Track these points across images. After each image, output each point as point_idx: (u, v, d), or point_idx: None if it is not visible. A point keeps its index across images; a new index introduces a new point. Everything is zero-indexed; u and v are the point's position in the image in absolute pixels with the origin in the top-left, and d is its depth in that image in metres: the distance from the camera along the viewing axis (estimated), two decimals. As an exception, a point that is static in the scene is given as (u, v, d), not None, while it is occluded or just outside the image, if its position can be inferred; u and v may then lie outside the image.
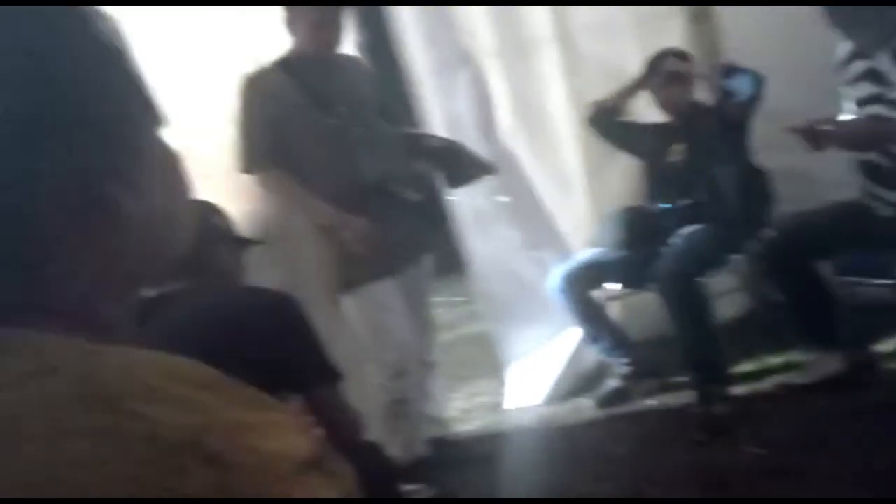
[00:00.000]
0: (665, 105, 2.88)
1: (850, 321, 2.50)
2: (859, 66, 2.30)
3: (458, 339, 4.07)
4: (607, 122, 3.00)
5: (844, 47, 2.34)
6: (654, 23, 3.15)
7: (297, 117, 2.33)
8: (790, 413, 2.46)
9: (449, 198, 2.87)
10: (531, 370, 3.04)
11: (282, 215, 2.44)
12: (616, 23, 3.22)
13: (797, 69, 2.86)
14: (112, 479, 0.39)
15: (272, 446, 0.42)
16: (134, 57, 0.51)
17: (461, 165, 2.59)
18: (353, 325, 2.41)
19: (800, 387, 2.57)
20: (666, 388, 2.86)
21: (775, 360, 2.87)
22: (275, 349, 1.39)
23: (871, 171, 2.29)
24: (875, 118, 2.20)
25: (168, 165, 0.53)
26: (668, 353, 2.91)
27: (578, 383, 3.08)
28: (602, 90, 3.01)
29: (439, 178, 2.66)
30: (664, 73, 2.83)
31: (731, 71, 2.71)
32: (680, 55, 2.85)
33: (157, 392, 0.42)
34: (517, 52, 3.03)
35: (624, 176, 3.20)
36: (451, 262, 3.55)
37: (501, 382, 3.20)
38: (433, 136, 2.70)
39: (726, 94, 2.69)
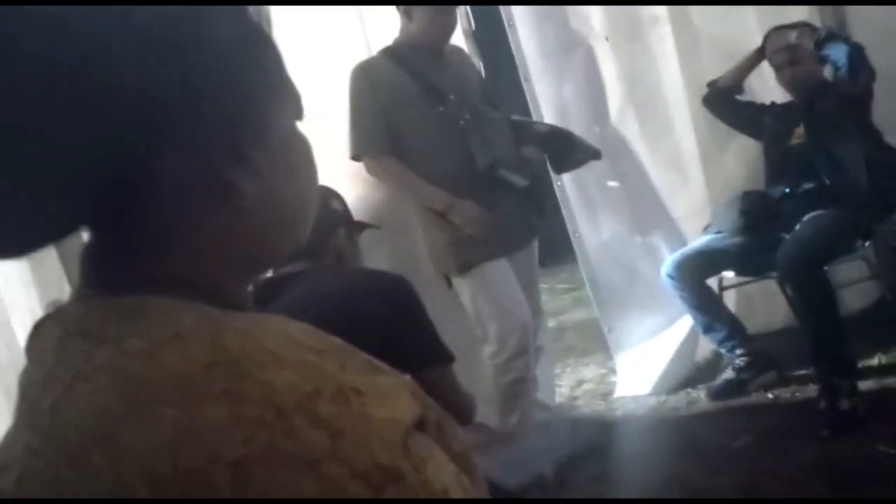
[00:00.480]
0: (786, 83, 2.74)
1: None
2: None
3: (565, 325, 4.05)
4: (724, 102, 2.88)
5: None
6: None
7: (407, 106, 2.37)
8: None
9: (558, 183, 2.85)
10: (642, 359, 2.98)
11: (394, 201, 2.48)
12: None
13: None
14: (232, 440, 0.40)
15: (382, 413, 0.43)
16: (278, 46, 0.53)
17: (567, 150, 2.57)
18: (468, 307, 2.43)
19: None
20: (785, 382, 2.74)
21: (908, 354, 2.69)
22: (389, 330, 1.42)
23: None
24: None
25: (297, 152, 0.54)
26: (788, 344, 2.79)
27: (691, 374, 3.00)
28: (718, 70, 2.90)
29: (546, 164, 2.64)
30: (783, 48, 2.69)
31: (825, 40, 2.57)
32: (801, 29, 2.69)
33: (275, 356, 0.43)
34: (629, 32, 2.96)
35: (742, 159, 3.07)
36: (559, 249, 3.54)
37: (610, 370, 3.16)
38: (539, 123, 2.68)
39: (828, 64, 2.55)
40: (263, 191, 0.50)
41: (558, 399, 3.05)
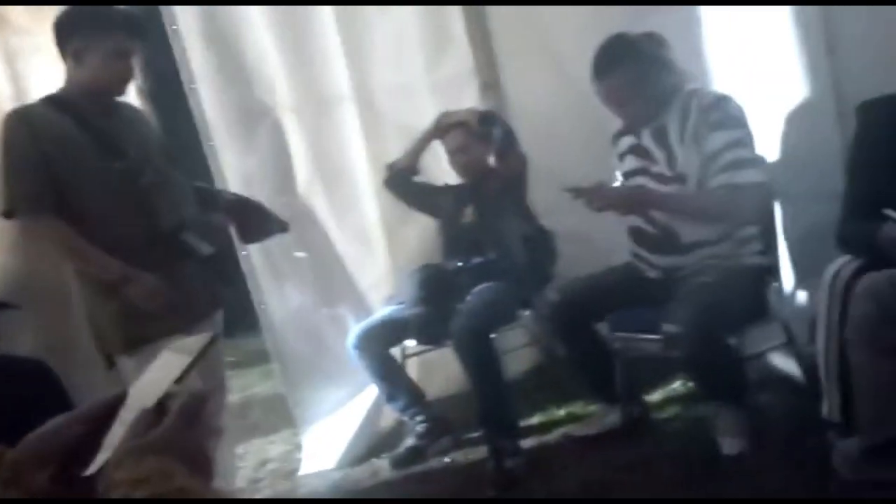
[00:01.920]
0: (456, 167, 3.00)
1: (625, 375, 2.68)
2: (626, 141, 2.54)
3: (251, 401, 3.89)
4: (402, 184, 3.07)
5: (617, 124, 2.58)
6: (450, 90, 3.30)
7: (75, 158, 2.13)
8: (576, 464, 2.57)
9: (243, 252, 2.76)
10: (328, 433, 2.95)
11: (43, 269, 2.19)
12: (414, 86, 3.33)
13: (581, 138, 3.13)
14: None
15: None
16: None
17: (255, 221, 2.51)
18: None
19: (583, 438, 2.70)
20: (461, 445, 2.89)
21: (561, 412, 3.01)
22: (30, 417, 1.22)
23: (638, 236, 2.51)
24: (639, 187, 2.42)
25: None
26: (464, 409, 2.96)
27: (376, 444, 3.04)
28: (400, 149, 3.07)
29: (232, 233, 2.55)
30: (454, 136, 2.94)
31: (485, 121, 2.92)
32: (467, 114, 2.96)
33: None
34: (315, 107, 3.02)
35: (423, 233, 3.27)
36: (246, 320, 3.41)
37: (296, 447, 3.08)
38: (225, 191, 2.60)
39: (487, 139, 2.88)
40: None
41: (239, 483, 2.88)
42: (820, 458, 2.06)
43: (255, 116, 2.84)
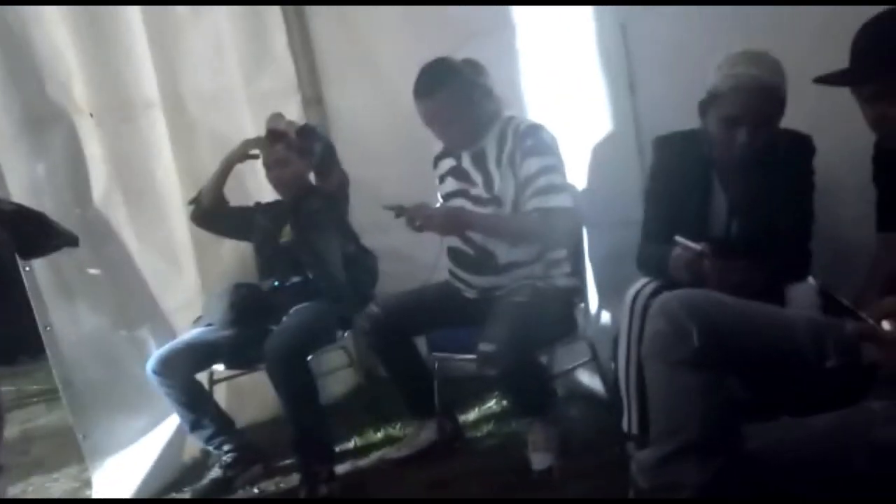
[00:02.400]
0: (274, 184, 2.89)
1: (442, 393, 2.69)
2: (447, 163, 2.57)
3: (33, 435, 3.49)
4: (210, 219, 2.92)
5: (438, 146, 2.60)
6: (270, 102, 3.17)
7: None
8: (390, 485, 2.54)
9: (26, 269, 2.47)
10: (122, 466, 2.69)
11: None
12: (230, 95, 3.19)
13: (403, 157, 3.13)
14: None
15: None
16: None
17: (38, 234, 2.24)
18: None
19: (399, 460, 2.67)
20: (271, 474, 2.75)
21: (378, 435, 2.97)
22: None
23: (456, 256, 2.54)
24: (458, 208, 2.45)
25: None
26: (276, 435, 2.83)
27: (177, 477, 2.82)
28: (213, 160, 2.91)
29: (12, 247, 2.26)
30: (272, 150, 2.83)
31: (303, 134, 2.83)
32: (279, 133, 2.84)
33: None
34: (118, 113, 2.79)
35: (237, 251, 3.11)
36: (33, 345, 3.06)
37: (85, 483, 2.78)
38: (4, 201, 2.31)
39: (305, 153, 2.80)
40: None
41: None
42: (620, 468, 2.19)
43: (45, 120, 2.57)
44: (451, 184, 2.54)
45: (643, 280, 2.01)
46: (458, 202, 2.49)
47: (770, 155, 1.94)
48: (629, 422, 2.05)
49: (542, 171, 2.34)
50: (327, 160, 2.82)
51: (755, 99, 1.88)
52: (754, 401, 1.54)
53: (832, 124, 1.91)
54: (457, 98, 2.35)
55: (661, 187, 2.14)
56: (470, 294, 2.54)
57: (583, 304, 2.64)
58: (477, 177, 2.45)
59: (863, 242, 1.83)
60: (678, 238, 1.88)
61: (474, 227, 2.42)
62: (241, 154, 2.88)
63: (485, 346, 2.23)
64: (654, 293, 1.89)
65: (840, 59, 1.49)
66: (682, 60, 2.37)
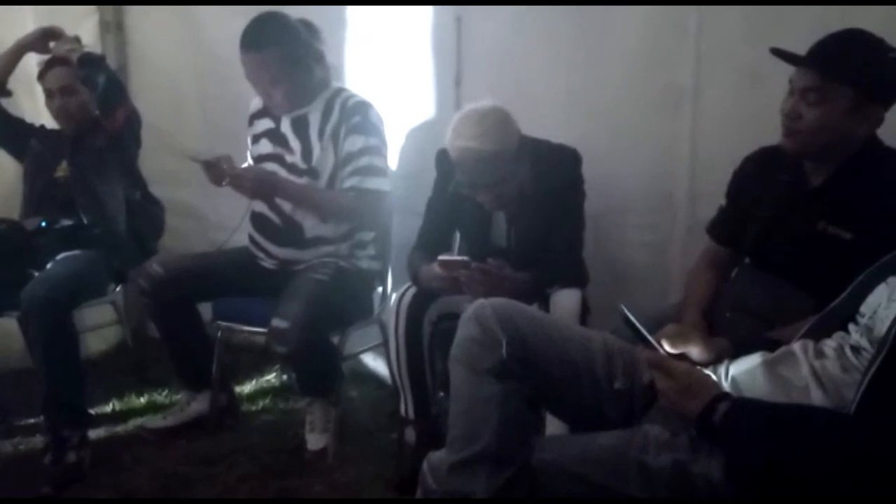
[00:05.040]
0: (55, 112, 2.57)
1: (220, 363, 2.54)
2: (264, 123, 2.41)
3: None
4: None
5: (256, 103, 2.43)
6: (63, 18, 2.77)
7: None
8: (151, 456, 2.36)
9: None
10: None
11: None
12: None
13: (210, 107, 2.89)
14: None
15: None
16: None
17: None
18: None
19: (163, 430, 2.49)
20: (12, 433, 2.46)
21: (141, 400, 2.75)
22: None
23: (260, 223, 2.40)
24: (270, 173, 2.32)
25: None
26: (20, 390, 2.54)
27: None
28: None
29: None
30: (54, 66, 2.51)
31: (85, 63, 2.45)
32: (58, 59, 2.50)
33: None
34: None
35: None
36: None
37: None
38: None
39: (86, 83, 2.46)
40: None
41: None
42: (393, 456, 2.22)
43: None
44: (265, 146, 2.40)
45: (408, 283, 2.14)
46: (272, 167, 2.35)
47: (539, 168, 2.06)
48: (405, 408, 2.14)
49: (365, 151, 2.29)
50: (113, 95, 2.49)
51: (476, 169, 1.99)
52: (548, 412, 1.62)
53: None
54: (287, 57, 2.22)
55: (433, 198, 2.24)
56: (268, 264, 2.43)
57: (380, 288, 2.63)
58: (296, 144, 2.33)
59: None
60: (441, 257, 2.00)
61: (286, 195, 2.31)
62: (38, 42, 2.52)
63: (278, 322, 2.14)
64: (415, 298, 2.10)
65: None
66: (507, 59, 2.43)
